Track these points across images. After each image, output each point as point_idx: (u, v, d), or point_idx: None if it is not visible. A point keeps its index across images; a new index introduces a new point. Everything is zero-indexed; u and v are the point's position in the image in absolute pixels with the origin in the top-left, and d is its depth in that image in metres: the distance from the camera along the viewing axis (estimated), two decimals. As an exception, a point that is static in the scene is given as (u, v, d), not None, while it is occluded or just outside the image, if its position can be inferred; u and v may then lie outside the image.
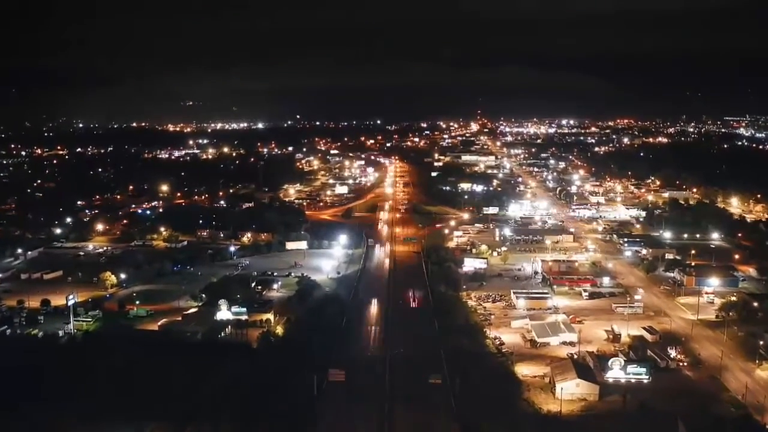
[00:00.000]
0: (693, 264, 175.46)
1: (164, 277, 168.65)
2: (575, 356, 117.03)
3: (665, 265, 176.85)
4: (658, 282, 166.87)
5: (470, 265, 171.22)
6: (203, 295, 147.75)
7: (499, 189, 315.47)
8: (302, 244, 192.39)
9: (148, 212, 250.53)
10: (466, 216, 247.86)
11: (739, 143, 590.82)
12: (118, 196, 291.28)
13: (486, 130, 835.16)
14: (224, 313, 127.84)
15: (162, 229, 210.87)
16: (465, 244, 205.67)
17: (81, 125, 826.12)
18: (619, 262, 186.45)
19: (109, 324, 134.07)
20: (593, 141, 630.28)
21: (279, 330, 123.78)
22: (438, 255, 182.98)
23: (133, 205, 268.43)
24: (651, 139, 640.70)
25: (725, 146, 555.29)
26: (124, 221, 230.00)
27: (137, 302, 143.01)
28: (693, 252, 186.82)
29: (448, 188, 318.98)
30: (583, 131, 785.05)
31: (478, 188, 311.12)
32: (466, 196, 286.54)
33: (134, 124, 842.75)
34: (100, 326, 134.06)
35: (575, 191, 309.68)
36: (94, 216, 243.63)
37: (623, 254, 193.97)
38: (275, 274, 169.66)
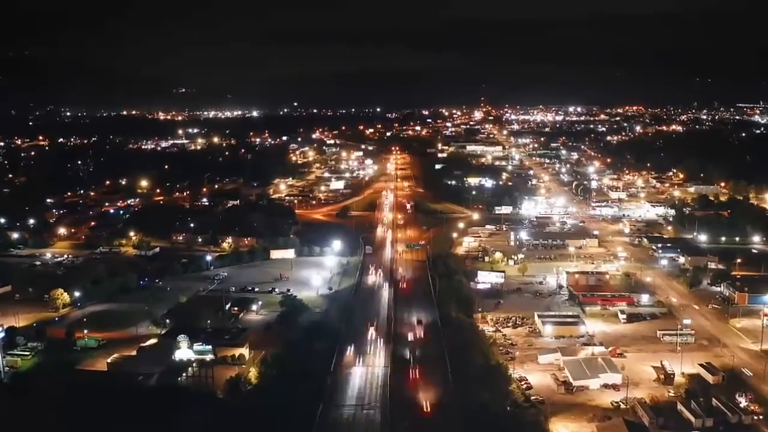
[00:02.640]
0: (740, 276, 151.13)
1: (127, 294, 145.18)
2: (622, 406, 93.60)
3: (711, 278, 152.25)
4: (704, 299, 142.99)
5: (485, 279, 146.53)
6: (167, 320, 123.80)
7: (510, 183, 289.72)
8: (289, 253, 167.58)
9: (121, 212, 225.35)
10: (475, 216, 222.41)
11: (758, 131, 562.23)
12: (92, 193, 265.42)
13: (491, 117, 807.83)
14: (184, 352, 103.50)
15: (132, 233, 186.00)
16: (476, 250, 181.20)
17: (68, 113, 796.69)
18: (653, 272, 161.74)
19: (49, 360, 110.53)
20: (604, 129, 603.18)
21: (252, 373, 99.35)
22: (446, 265, 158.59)
23: (107, 204, 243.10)
24: (664, 127, 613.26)
25: (743, 134, 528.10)
26: (92, 223, 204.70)
27: (85, 331, 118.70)
28: (738, 260, 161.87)
29: (453, 182, 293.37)
30: (592, 119, 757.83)
31: (487, 183, 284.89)
32: (474, 192, 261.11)
33: (124, 113, 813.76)
34: (39, 362, 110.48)
35: (593, 186, 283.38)
36: (60, 217, 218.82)
37: (658, 263, 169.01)
38: (256, 289, 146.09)
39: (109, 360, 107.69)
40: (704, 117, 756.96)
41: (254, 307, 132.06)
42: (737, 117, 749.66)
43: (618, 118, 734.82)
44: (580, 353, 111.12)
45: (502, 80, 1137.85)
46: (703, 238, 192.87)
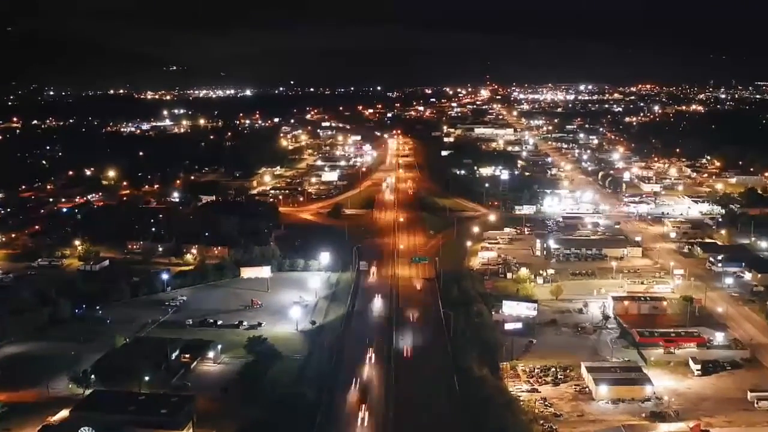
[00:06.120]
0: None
1: (57, 327, 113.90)
2: None
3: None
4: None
5: (512, 312, 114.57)
6: (92, 377, 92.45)
7: (527, 174, 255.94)
8: (264, 271, 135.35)
9: (76, 211, 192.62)
10: (491, 216, 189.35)
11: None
12: (49, 186, 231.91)
13: (498, 96, 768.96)
14: (89, 450, 72.02)
15: (78, 241, 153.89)
16: (495, 262, 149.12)
17: (52, 92, 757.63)
18: (717, 293, 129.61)
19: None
20: (620, 109, 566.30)
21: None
22: (460, 287, 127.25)
23: (63, 200, 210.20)
24: (684, 107, 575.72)
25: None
26: (36, 227, 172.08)
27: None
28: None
29: (463, 172, 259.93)
30: (605, 98, 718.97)
31: (502, 174, 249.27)
32: (487, 185, 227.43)
33: (111, 92, 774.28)
34: None
35: (623, 177, 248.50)
36: (5, 217, 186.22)
37: (720, 280, 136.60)
38: (219, 322, 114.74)
39: (1, 444, 77.26)
40: (723, 96, 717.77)
41: (211, 354, 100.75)
42: (757, 96, 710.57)
43: (633, 97, 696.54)
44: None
45: (507, 56, 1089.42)
46: (764, 244, 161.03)
